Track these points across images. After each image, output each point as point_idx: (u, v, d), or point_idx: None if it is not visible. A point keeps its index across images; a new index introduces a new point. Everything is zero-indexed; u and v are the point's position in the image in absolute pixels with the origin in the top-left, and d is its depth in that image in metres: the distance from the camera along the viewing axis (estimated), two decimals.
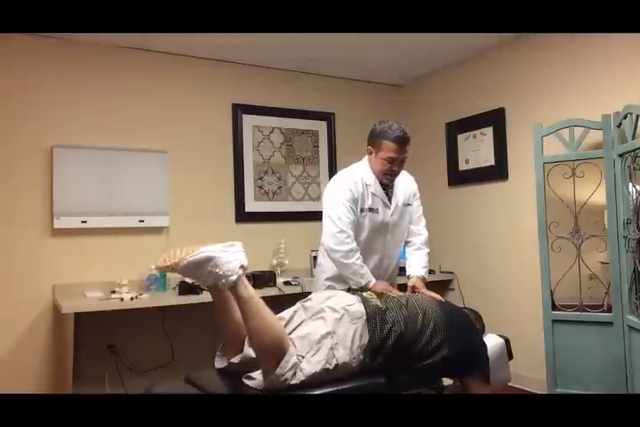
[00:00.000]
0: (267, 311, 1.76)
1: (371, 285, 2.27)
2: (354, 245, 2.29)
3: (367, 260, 2.37)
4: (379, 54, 3.65)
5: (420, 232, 2.55)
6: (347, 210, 2.30)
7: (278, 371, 1.65)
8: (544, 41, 3.20)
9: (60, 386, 2.99)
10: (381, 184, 2.39)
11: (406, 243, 2.56)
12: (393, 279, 2.57)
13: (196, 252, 1.72)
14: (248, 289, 1.76)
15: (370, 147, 2.38)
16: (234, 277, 1.72)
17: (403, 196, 2.46)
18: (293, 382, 1.67)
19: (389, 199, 2.42)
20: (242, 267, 1.75)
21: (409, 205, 2.49)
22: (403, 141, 2.29)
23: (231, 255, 1.75)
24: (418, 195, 2.56)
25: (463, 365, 2.00)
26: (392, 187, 2.43)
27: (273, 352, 1.68)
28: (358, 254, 2.29)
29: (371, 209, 2.37)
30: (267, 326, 1.72)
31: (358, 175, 2.38)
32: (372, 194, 2.37)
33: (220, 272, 1.71)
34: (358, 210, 2.34)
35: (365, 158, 2.45)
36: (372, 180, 2.38)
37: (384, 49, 3.54)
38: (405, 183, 2.50)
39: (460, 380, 2.08)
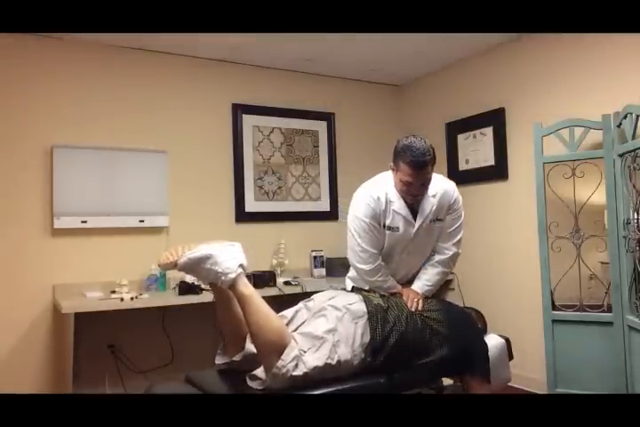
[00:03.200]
0: (267, 307, 1.77)
1: (397, 291, 2.23)
2: (377, 263, 2.21)
3: (387, 264, 2.28)
4: (379, 54, 3.65)
5: (443, 251, 2.31)
6: (368, 228, 2.18)
7: (280, 363, 1.66)
8: (544, 41, 3.20)
9: (60, 386, 2.99)
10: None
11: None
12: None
13: (195, 249, 1.75)
14: (248, 287, 1.78)
15: (392, 164, 2.17)
16: (232, 275, 1.74)
17: (432, 211, 2.21)
18: (295, 373, 1.68)
19: (415, 216, 2.20)
20: (241, 266, 1.77)
21: (439, 220, 2.24)
22: (420, 167, 2.04)
23: (230, 254, 1.77)
24: (456, 206, 2.28)
25: (464, 364, 2.00)
26: (420, 201, 2.20)
27: (274, 345, 1.70)
28: (382, 271, 2.23)
29: (390, 228, 2.19)
30: (268, 320, 1.74)
31: (383, 190, 2.19)
32: (394, 212, 2.18)
33: (219, 270, 1.74)
34: (381, 226, 2.20)
35: None
36: (395, 196, 2.18)
37: (384, 49, 3.54)
38: (440, 196, 2.22)
39: (461, 379, 2.08)
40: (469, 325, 2.13)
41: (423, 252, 2.32)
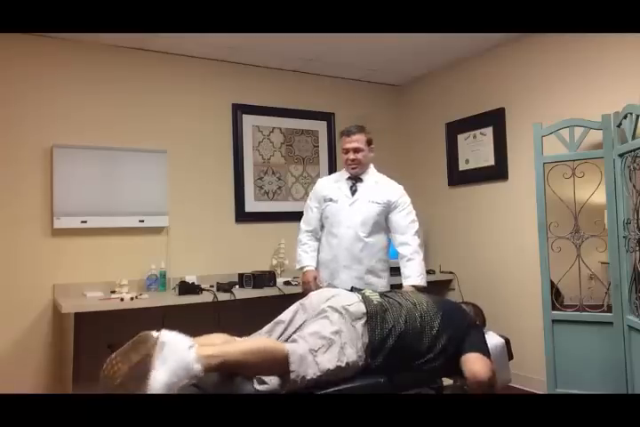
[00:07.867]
0: (243, 346, 1.71)
1: (303, 270, 2.79)
2: (303, 235, 2.86)
3: (330, 240, 2.77)
4: (379, 54, 3.65)
5: (407, 243, 2.71)
6: (309, 207, 2.89)
7: (293, 374, 1.67)
8: (544, 41, 3.20)
9: (60, 386, 2.99)
10: (352, 179, 2.80)
11: (398, 254, 2.74)
12: (371, 268, 2.74)
13: (145, 386, 1.47)
14: (215, 356, 1.59)
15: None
16: (196, 366, 1.53)
17: (371, 194, 2.75)
18: (309, 377, 1.70)
19: (353, 193, 2.77)
20: (191, 347, 1.56)
21: (377, 203, 2.73)
22: (348, 133, 2.76)
23: (172, 359, 1.51)
24: (404, 206, 2.77)
25: (460, 345, 1.97)
26: (361, 182, 2.79)
27: (277, 366, 1.69)
28: (307, 246, 2.83)
29: (330, 199, 2.79)
30: (256, 358, 1.67)
31: (332, 177, 2.96)
32: (337, 188, 2.81)
33: (179, 370, 1.51)
34: (320, 205, 2.83)
35: None
36: (341, 177, 2.85)
37: (384, 49, 3.54)
38: (382, 185, 2.80)
39: (459, 358, 2.01)
40: (467, 322, 2.12)
41: (362, 230, 2.71)
